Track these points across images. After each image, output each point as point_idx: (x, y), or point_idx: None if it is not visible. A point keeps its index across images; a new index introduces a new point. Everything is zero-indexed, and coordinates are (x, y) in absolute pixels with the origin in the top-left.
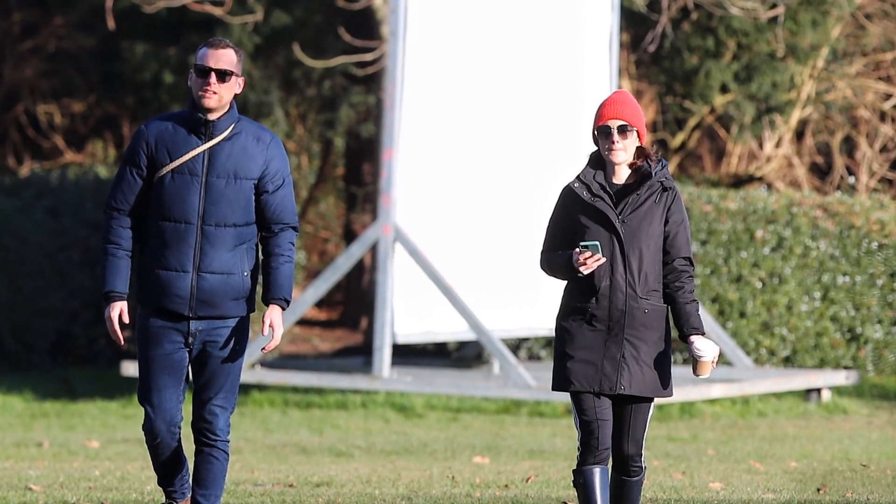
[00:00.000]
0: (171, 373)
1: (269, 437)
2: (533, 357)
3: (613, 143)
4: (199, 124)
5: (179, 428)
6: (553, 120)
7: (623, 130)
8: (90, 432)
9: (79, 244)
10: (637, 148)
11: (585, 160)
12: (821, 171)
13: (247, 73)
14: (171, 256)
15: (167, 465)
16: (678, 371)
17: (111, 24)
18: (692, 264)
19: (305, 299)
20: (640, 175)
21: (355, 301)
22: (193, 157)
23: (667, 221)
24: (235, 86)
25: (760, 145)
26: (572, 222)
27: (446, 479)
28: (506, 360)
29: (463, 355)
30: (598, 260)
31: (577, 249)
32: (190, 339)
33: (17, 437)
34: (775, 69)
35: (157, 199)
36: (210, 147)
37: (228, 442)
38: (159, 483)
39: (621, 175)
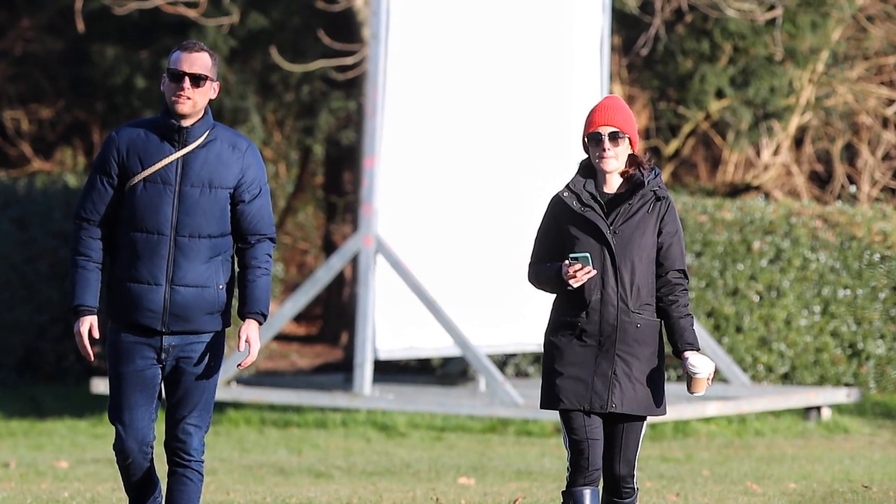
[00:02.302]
0: (144, 390)
1: (246, 457)
2: (520, 374)
3: (604, 150)
4: (172, 131)
5: (152, 448)
6: (542, 126)
7: (614, 137)
8: (59, 452)
9: (47, 256)
10: (629, 156)
11: (575, 168)
12: (821, 180)
13: (222, 78)
14: (143, 269)
15: (139, 487)
16: (672, 388)
17: (80, 26)
18: (687, 277)
19: (283, 313)
20: (632, 184)
21: (335, 315)
22: (166, 165)
23: (660, 232)
24: (210, 91)
25: (758, 153)
26: (561, 233)
27: (430, 500)
28: (492, 376)
29: (447, 372)
30: (588, 272)
31: (567, 262)
32: (163, 355)
33: None
34: (773, 73)
35: (128, 209)
36: (184, 155)
37: (203, 462)
38: None
39: (612, 184)
